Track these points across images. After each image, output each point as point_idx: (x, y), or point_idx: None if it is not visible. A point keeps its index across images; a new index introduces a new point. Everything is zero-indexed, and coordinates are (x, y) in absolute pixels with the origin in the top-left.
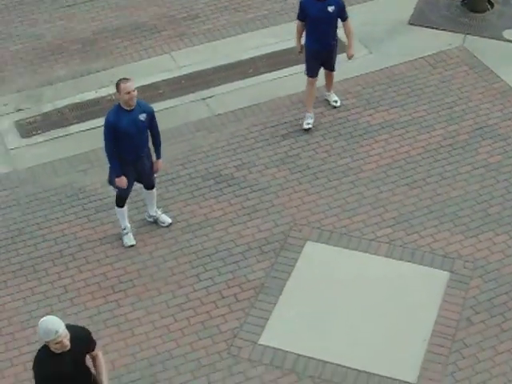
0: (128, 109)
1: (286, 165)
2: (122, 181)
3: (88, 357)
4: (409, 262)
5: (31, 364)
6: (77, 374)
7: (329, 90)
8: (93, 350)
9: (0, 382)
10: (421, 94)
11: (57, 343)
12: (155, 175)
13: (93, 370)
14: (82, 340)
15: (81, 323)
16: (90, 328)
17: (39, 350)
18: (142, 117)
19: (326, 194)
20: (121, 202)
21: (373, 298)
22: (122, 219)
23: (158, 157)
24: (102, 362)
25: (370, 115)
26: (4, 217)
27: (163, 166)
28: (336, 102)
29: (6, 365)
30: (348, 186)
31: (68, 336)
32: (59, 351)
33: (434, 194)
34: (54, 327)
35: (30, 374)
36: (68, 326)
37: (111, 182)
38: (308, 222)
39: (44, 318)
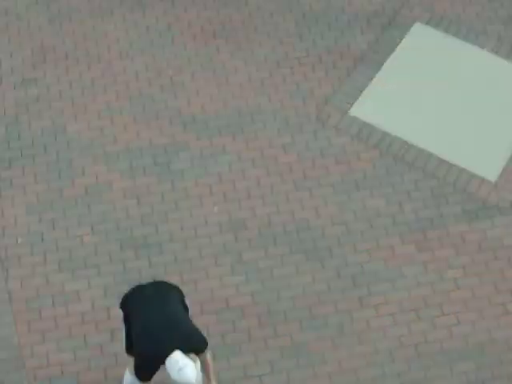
0: None
1: None
2: None
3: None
4: None
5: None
6: None
7: None
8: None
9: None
10: None
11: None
12: None
13: None
14: (192, 347)
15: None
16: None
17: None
18: None
19: None
20: None
21: (470, 90)
22: None
23: None
24: (211, 366)
25: None
26: None
27: None
28: None
29: (100, 91)
30: None
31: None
32: None
33: None
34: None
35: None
36: (188, 330)
37: None
38: (421, 1)
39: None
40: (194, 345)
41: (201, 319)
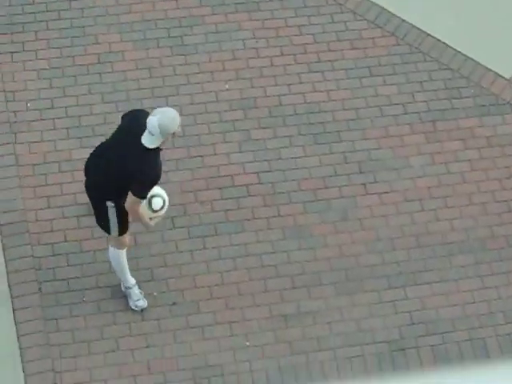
0: None
1: None
2: None
3: None
4: None
5: None
6: None
7: None
8: None
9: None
10: None
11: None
12: None
13: None
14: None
15: None
16: None
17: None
18: None
19: None
20: None
21: None
22: None
23: None
24: None
25: None
26: None
27: None
28: None
29: None
30: None
31: None
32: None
33: None
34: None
35: None
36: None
37: None
38: None
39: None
40: None
41: (205, 194)
